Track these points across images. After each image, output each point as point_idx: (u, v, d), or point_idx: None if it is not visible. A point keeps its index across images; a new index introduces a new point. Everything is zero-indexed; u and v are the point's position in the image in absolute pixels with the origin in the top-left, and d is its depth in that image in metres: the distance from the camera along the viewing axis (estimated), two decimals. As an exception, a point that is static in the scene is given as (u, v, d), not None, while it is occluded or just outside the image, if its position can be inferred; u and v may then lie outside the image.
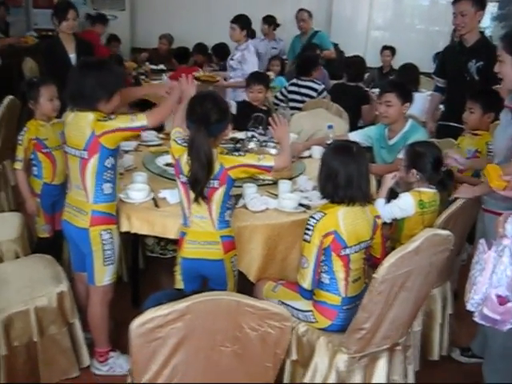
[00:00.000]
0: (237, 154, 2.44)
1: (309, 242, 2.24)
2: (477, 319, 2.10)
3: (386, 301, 2.11)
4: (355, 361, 2.24)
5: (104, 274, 2.58)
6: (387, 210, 2.67)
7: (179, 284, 2.48)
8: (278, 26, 7.05)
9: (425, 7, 7.57)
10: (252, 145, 3.32)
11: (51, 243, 3.22)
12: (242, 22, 5.12)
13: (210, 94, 2.41)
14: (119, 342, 2.81)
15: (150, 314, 1.52)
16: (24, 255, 2.99)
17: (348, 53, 6.55)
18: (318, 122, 4.23)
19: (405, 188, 2.81)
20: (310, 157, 3.58)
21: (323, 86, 5.15)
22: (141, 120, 2.43)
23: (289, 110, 5.47)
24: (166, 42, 7.48)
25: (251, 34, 5.33)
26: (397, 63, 6.76)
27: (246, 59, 5.03)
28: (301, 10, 6.64)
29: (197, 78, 4.88)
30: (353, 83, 5.13)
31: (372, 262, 2.43)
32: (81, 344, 2.70)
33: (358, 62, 5.30)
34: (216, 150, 2.31)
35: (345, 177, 2.24)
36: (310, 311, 2.36)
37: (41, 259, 2.83)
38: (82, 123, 2.41)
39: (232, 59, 5.15)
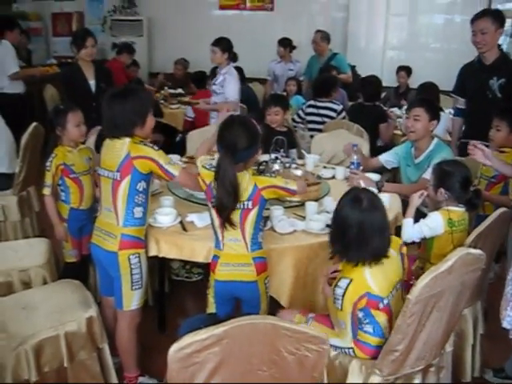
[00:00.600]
0: (268, 175, 2.46)
1: (341, 309, 2.16)
2: (506, 324, 2.05)
3: (420, 321, 2.09)
4: (389, 383, 2.21)
5: (132, 299, 2.58)
6: (416, 229, 2.65)
7: (211, 307, 2.47)
8: (294, 48, 7.10)
9: (440, 26, 7.57)
10: (276, 167, 3.32)
11: (78, 268, 3.24)
12: (222, 44, 5.02)
13: (240, 119, 2.40)
14: (147, 366, 2.82)
15: (187, 340, 1.52)
16: (51, 280, 3.00)
17: (364, 73, 6.55)
18: (340, 143, 4.22)
19: (432, 207, 2.79)
20: (333, 178, 3.58)
21: (342, 107, 5.19)
22: (175, 170, 2.49)
23: (307, 131, 5.50)
24: (180, 67, 7.61)
25: (233, 58, 5.42)
26: (414, 82, 6.80)
27: (228, 82, 4.90)
28: (317, 31, 6.69)
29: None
30: (369, 103, 5.14)
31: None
32: (110, 369, 2.69)
33: (374, 81, 5.31)
34: (248, 172, 2.34)
35: (376, 234, 2.11)
36: (351, 348, 2.26)
37: (68, 284, 2.83)
38: (117, 145, 2.46)
39: (215, 84, 5.03)
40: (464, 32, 7.26)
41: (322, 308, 2.66)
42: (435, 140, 3.45)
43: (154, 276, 3.47)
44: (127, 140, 2.44)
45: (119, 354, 2.72)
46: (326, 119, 5.13)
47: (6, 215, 4.12)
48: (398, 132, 5.24)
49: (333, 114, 5.13)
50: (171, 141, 5.92)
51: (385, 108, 5.54)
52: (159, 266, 3.32)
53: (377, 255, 2.14)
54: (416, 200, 2.73)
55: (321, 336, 1.63)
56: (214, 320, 1.68)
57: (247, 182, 2.30)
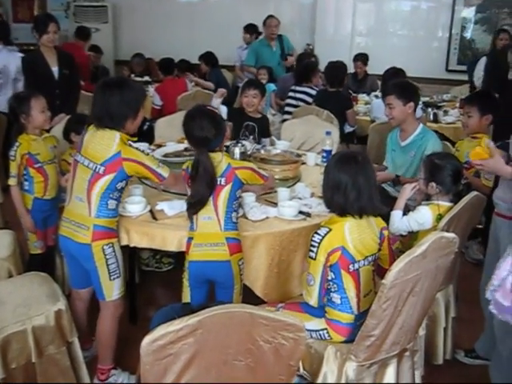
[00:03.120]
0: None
1: (314, 259, 2.18)
2: (492, 308, 2.05)
3: (396, 307, 2.08)
4: (365, 368, 2.20)
5: (112, 289, 2.54)
6: (404, 223, 2.65)
7: (186, 292, 2.48)
8: (260, 34, 7.07)
9: (407, 12, 7.59)
10: (237, 150, 3.26)
11: (44, 259, 3.18)
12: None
13: (199, 112, 2.42)
14: (118, 359, 2.76)
15: (161, 331, 1.47)
16: (17, 273, 2.91)
17: (333, 58, 6.54)
18: (310, 129, 4.22)
19: (420, 200, 2.79)
20: (303, 164, 3.54)
21: (316, 91, 5.22)
22: (165, 172, 2.48)
23: (280, 115, 5.51)
24: (140, 61, 7.49)
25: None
26: (381, 68, 6.82)
27: None
28: (272, 16, 6.68)
29: None
30: (334, 89, 5.11)
31: (381, 273, 2.39)
32: (80, 363, 2.61)
33: (340, 67, 5.29)
34: (221, 153, 2.39)
35: (354, 189, 2.17)
36: (325, 329, 2.29)
37: (35, 277, 2.74)
38: (106, 138, 2.39)
39: None
40: (429, 19, 7.41)
41: (296, 296, 2.64)
42: (421, 125, 3.49)
43: (124, 267, 3.40)
44: (117, 136, 2.37)
45: (98, 345, 2.68)
46: (301, 103, 5.13)
47: (-33, 208, 3.99)
48: (367, 118, 5.24)
49: (308, 98, 5.14)
50: (138, 129, 5.80)
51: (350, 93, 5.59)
52: (129, 257, 3.24)
53: (361, 209, 2.19)
54: (408, 192, 2.72)
55: (297, 324, 1.60)
56: (188, 310, 1.64)
57: (220, 160, 2.36)
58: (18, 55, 5.06)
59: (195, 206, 2.35)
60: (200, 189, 2.32)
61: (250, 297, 2.56)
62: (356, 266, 2.21)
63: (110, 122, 2.39)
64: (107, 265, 2.48)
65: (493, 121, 3.41)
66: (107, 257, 2.47)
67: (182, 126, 2.42)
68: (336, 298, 2.24)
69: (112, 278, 2.51)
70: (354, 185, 2.17)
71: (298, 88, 5.31)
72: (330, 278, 2.22)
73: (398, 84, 3.57)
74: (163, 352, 1.50)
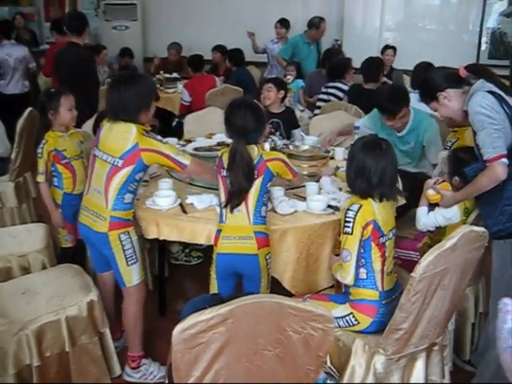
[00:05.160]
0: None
1: (351, 234, 2.23)
2: None
3: (424, 300, 2.08)
4: (393, 362, 2.20)
5: (131, 274, 2.60)
6: (431, 219, 2.64)
7: (214, 284, 2.50)
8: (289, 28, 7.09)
9: (436, 7, 7.48)
10: (267, 145, 3.27)
11: (74, 253, 3.24)
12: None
13: (244, 103, 2.46)
14: (148, 350, 2.81)
15: (192, 320, 1.49)
16: (50, 265, 2.98)
17: (361, 55, 6.49)
18: (338, 124, 4.20)
19: None
20: (332, 158, 3.54)
21: (348, 86, 5.22)
22: (186, 159, 2.52)
23: (307, 111, 5.51)
24: (174, 51, 7.54)
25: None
26: (410, 64, 6.75)
27: None
28: (322, 19, 6.70)
29: None
30: (370, 86, 5.01)
31: (408, 267, 2.40)
32: (111, 353, 2.69)
33: (377, 62, 5.25)
34: (256, 146, 2.42)
35: (377, 174, 2.24)
36: (350, 313, 2.32)
37: (68, 269, 2.82)
38: (124, 132, 2.46)
39: None
40: (460, 12, 7.29)
41: (322, 288, 2.66)
42: (412, 111, 3.48)
43: (154, 260, 3.46)
44: (133, 128, 2.44)
45: (126, 331, 2.75)
46: (332, 98, 5.12)
47: (2, 202, 4.09)
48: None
49: (340, 94, 5.13)
50: (168, 125, 5.88)
51: None
52: (159, 251, 3.30)
53: (382, 195, 2.27)
54: (429, 186, 2.69)
55: (326, 314, 1.61)
56: (218, 300, 1.67)
57: (255, 154, 2.39)
58: (18, 48, 6.20)
59: (235, 196, 2.37)
60: (238, 178, 2.35)
61: (277, 290, 2.57)
62: (385, 238, 2.28)
63: (125, 115, 2.47)
64: (123, 251, 2.54)
65: None
66: (123, 243, 2.54)
67: (224, 114, 2.45)
68: (362, 272, 2.29)
69: (129, 263, 2.57)
70: (377, 170, 2.23)
71: (330, 84, 5.29)
72: (360, 252, 2.27)
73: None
74: (194, 341, 1.52)
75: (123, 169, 2.44)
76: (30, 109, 4.04)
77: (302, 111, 5.68)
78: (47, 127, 3.09)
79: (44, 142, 3.04)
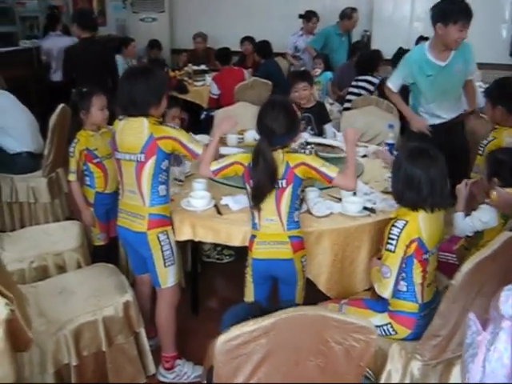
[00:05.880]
0: (302, 151, 2.42)
1: (393, 251, 2.18)
2: None
3: (463, 307, 2.05)
4: (430, 368, 2.19)
5: (167, 276, 2.60)
6: (468, 223, 2.60)
7: (250, 287, 2.48)
8: (318, 20, 7.01)
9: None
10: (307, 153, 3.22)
11: (107, 250, 3.27)
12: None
13: (280, 104, 2.34)
14: (181, 349, 2.82)
15: (235, 331, 1.49)
16: (85, 264, 3.02)
17: (391, 44, 6.41)
18: (370, 120, 4.17)
19: (480, 199, 2.71)
20: (365, 156, 3.51)
21: (379, 79, 5.14)
22: (198, 148, 2.50)
23: (337, 104, 5.47)
24: (201, 40, 7.51)
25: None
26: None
27: None
28: (354, 9, 6.65)
29: None
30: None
31: (447, 271, 2.37)
32: (146, 352, 2.71)
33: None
34: (282, 150, 2.32)
35: (428, 183, 2.17)
36: (389, 323, 2.30)
37: (103, 268, 2.84)
38: (137, 128, 2.46)
39: None
40: (492, 1, 7.12)
41: (358, 291, 2.65)
42: None
43: (186, 257, 3.47)
44: (145, 121, 2.44)
45: (158, 332, 2.75)
46: (363, 92, 5.08)
47: (36, 197, 4.15)
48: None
49: (370, 87, 5.08)
50: (196, 119, 5.88)
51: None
52: (191, 248, 3.31)
53: (433, 204, 2.20)
54: (464, 191, 2.65)
55: (369, 326, 1.60)
56: (258, 309, 1.67)
57: (281, 161, 2.30)
58: (62, 39, 6.66)
59: (258, 197, 2.31)
60: (261, 179, 2.28)
61: (312, 291, 2.58)
62: (428, 254, 2.23)
63: (133, 109, 2.46)
64: (162, 251, 2.55)
65: None
66: (162, 243, 2.54)
67: (258, 111, 2.35)
68: (402, 285, 2.25)
69: (167, 264, 2.58)
70: (428, 180, 2.16)
71: (360, 77, 5.24)
72: (402, 267, 2.23)
73: None
74: (237, 352, 1.52)
75: (147, 162, 2.44)
76: (62, 105, 4.07)
77: (331, 104, 5.64)
78: (79, 126, 3.11)
79: (76, 141, 3.07)
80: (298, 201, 2.40)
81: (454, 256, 2.76)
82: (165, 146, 2.44)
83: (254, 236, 2.42)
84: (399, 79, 3.69)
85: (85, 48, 5.02)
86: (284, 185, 2.30)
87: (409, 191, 2.20)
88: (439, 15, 3.38)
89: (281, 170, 2.28)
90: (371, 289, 2.59)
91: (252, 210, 2.38)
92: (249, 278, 2.48)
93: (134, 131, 2.46)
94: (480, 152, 3.18)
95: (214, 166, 2.44)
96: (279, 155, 2.29)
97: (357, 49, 6.09)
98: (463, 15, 3.33)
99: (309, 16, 7.02)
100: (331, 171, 2.32)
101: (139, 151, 2.44)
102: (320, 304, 2.51)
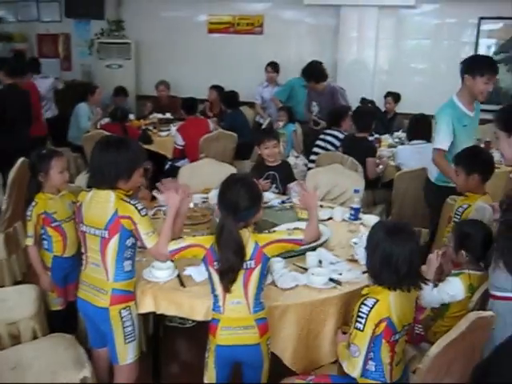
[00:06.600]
0: (266, 231, 2.37)
1: (362, 330, 2.13)
2: None
3: (432, 389, 2.02)
4: None
5: (127, 352, 2.51)
6: (435, 296, 2.58)
7: (211, 372, 2.37)
8: (274, 70, 7.18)
9: (427, 49, 7.54)
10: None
11: (65, 315, 3.14)
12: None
13: (242, 179, 2.32)
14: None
15: None
16: (42, 333, 2.88)
17: (354, 98, 6.53)
18: (335, 178, 4.19)
19: (448, 270, 2.74)
20: (330, 219, 3.49)
21: (344, 135, 5.20)
22: (149, 241, 2.38)
23: (302, 158, 5.51)
24: (163, 88, 7.53)
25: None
26: (404, 106, 6.80)
27: None
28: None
29: None
30: (362, 134, 5.02)
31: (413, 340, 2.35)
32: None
33: (369, 111, 5.28)
34: (248, 230, 2.26)
35: (406, 262, 2.11)
36: None
37: (61, 339, 2.72)
38: (102, 200, 2.39)
39: None
40: (452, 56, 7.36)
41: (324, 364, 2.59)
42: None
43: (148, 321, 3.37)
44: (112, 195, 2.38)
45: None
46: (329, 146, 5.13)
47: (-9, 253, 3.99)
48: (391, 162, 5.15)
49: (337, 142, 5.12)
50: (161, 169, 5.83)
51: (373, 140, 5.52)
52: (154, 314, 3.20)
53: (411, 283, 2.17)
54: (434, 262, 2.63)
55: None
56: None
57: (247, 239, 2.24)
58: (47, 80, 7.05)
59: (227, 274, 2.22)
60: (228, 256, 2.19)
61: (277, 364, 2.51)
62: (397, 336, 2.18)
63: (101, 180, 2.40)
64: (123, 328, 2.47)
65: None
66: (123, 319, 2.47)
67: (220, 187, 2.30)
68: (371, 365, 2.20)
69: (127, 341, 2.50)
70: (406, 258, 2.12)
71: (328, 131, 5.28)
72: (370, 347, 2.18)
73: None
74: None
75: (111, 239, 2.38)
76: (22, 159, 3.97)
77: (296, 157, 5.68)
78: (38, 187, 3.02)
79: (34, 204, 2.97)
80: (265, 281, 2.34)
81: (420, 326, 2.74)
82: (128, 225, 2.37)
83: (216, 320, 2.31)
84: (448, 136, 3.72)
85: (8, 94, 5.26)
86: (253, 265, 2.24)
87: (387, 270, 2.14)
88: (468, 67, 3.68)
89: (249, 250, 2.22)
90: (337, 361, 2.54)
91: (215, 293, 2.30)
92: (211, 364, 2.36)
93: (100, 205, 2.39)
94: (456, 219, 3.21)
95: (172, 247, 2.33)
96: (245, 233, 2.24)
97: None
98: (489, 68, 3.63)
99: (266, 67, 7.18)
100: (298, 235, 2.36)
101: (103, 227, 2.37)
102: (286, 379, 2.44)
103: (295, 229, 2.62)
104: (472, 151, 3.36)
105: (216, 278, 2.26)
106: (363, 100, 6.73)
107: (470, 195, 3.23)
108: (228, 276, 2.22)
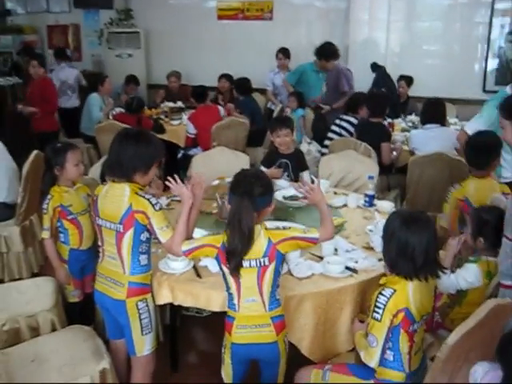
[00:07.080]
0: (281, 227, 2.33)
1: (379, 321, 2.11)
2: None
3: (450, 376, 2.01)
4: None
5: (144, 344, 2.52)
6: (452, 281, 2.55)
7: (228, 367, 2.36)
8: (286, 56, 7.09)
9: (440, 31, 7.41)
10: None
11: (82, 307, 3.18)
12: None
13: (254, 171, 2.36)
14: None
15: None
16: (60, 325, 2.91)
17: (366, 82, 6.47)
18: (348, 164, 4.16)
19: (467, 255, 2.70)
20: (345, 206, 3.47)
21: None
22: (163, 236, 2.37)
23: (315, 144, 5.47)
24: (175, 79, 7.50)
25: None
26: (417, 89, 6.71)
27: None
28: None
29: None
30: (375, 119, 4.94)
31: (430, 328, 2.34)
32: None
33: (382, 97, 5.21)
34: (261, 225, 2.24)
35: (422, 251, 2.10)
36: None
37: (79, 331, 2.74)
38: (117, 194, 2.40)
39: None
40: (466, 37, 7.25)
41: (341, 352, 2.59)
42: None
43: (165, 311, 3.38)
44: (127, 189, 2.37)
45: None
46: (343, 132, 5.12)
47: (8, 246, 4.05)
48: (405, 147, 5.09)
49: (351, 128, 5.12)
50: (173, 158, 5.83)
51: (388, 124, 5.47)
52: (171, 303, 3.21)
53: (427, 273, 2.14)
54: (455, 248, 2.61)
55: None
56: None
57: (260, 236, 2.21)
58: (75, 70, 7.36)
59: (231, 258, 2.18)
60: (234, 239, 2.16)
61: (294, 353, 2.51)
62: (415, 326, 2.16)
63: (119, 172, 2.40)
64: (140, 320, 2.48)
65: None
66: (140, 311, 2.47)
67: (232, 180, 2.30)
68: (389, 354, 2.17)
69: (144, 333, 2.50)
70: (422, 248, 2.10)
71: (344, 116, 5.26)
72: (389, 337, 2.16)
73: None
74: None
75: (126, 233, 2.38)
76: (35, 151, 4.00)
77: (309, 144, 5.63)
78: (54, 180, 3.03)
79: (49, 197, 2.98)
80: (280, 278, 2.31)
81: (437, 314, 2.73)
82: (142, 220, 2.37)
83: (231, 318, 2.29)
84: (481, 126, 3.60)
85: None
86: (266, 262, 2.21)
87: (403, 260, 2.12)
88: None
89: (262, 247, 2.20)
90: (354, 349, 2.54)
91: (229, 291, 2.29)
92: (227, 360, 2.35)
93: (115, 199, 2.39)
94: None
95: (186, 247, 2.31)
96: (257, 228, 2.21)
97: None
98: None
99: (276, 53, 7.10)
100: (313, 233, 2.30)
101: (118, 221, 2.38)
102: (303, 369, 2.45)
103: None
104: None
105: (229, 276, 2.25)
106: (374, 65, 6.63)
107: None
108: (234, 259, 2.18)
